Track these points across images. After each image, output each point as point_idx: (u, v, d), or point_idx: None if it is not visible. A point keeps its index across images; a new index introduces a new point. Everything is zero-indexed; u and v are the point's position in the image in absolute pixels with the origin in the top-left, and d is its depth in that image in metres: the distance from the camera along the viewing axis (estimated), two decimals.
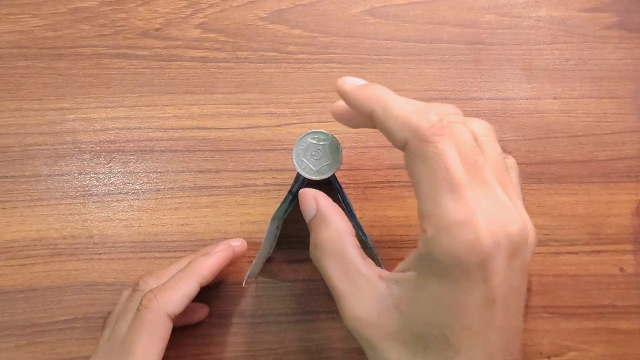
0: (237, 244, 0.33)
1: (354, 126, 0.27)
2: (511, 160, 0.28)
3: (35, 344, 0.33)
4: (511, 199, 0.23)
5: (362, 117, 0.25)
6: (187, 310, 0.31)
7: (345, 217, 0.27)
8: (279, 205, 0.30)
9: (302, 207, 0.28)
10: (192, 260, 0.31)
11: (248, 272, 0.31)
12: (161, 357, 0.28)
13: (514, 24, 0.37)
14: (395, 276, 0.24)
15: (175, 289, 0.29)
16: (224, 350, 0.34)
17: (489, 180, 0.23)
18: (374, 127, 0.25)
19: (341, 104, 0.26)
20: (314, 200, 0.27)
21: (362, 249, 0.26)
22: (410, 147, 0.23)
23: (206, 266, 0.30)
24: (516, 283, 0.23)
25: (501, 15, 0.37)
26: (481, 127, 0.26)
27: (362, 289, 0.25)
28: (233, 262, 0.32)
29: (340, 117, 0.27)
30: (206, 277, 0.30)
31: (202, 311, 0.34)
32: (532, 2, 0.38)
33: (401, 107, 0.23)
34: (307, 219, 0.28)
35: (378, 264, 0.31)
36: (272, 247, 0.34)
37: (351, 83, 0.25)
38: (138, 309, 0.28)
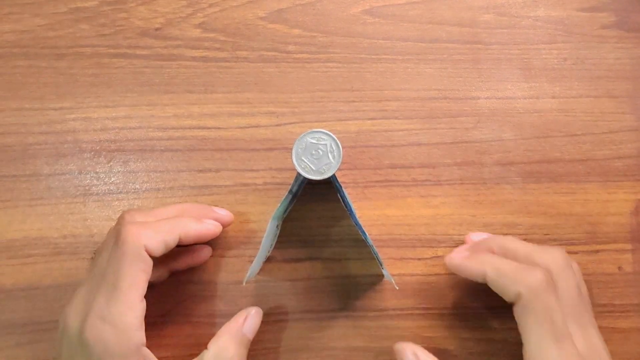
0: (224, 214, 0.33)
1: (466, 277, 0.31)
2: (584, 288, 0.32)
3: (36, 342, 0.33)
4: (597, 336, 0.30)
5: (474, 278, 0.30)
6: (190, 251, 0.31)
7: None
8: (278, 204, 0.31)
9: (400, 358, 0.30)
10: (182, 216, 0.31)
11: (248, 272, 0.31)
12: (144, 291, 0.28)
13: (512, 23, 0.38)
14: None
15: (156, 231, 0.29)
16: None
17: (583, 324, 0.29)
18: (482, 282, 0.30)
19: (454, 260, 0.31)
20: (414, 357, 0.30)
21: None
22: (522, 300, 0.28)
23: (192, 229, 0.30)
24: None
25: (500, 14, 0.38)
26: (558, 261, 0.30)
27: None
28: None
29: (453, 271, 0.32)
30: (188, 237, 0.30)
31: (205, 252, 0.33)
32: (530, 1, 0.38)
33: (510, 266, 0.29)
34: None
35: (379, 262, 0.31)
36: (271, 246, 0.34)
37: (458, 256, 0.31)
38: (116, 243, 0.28)
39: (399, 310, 0.35)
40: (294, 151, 0.29)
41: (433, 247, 0.35)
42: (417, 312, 0.35)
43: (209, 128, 0.36)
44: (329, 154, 0.29)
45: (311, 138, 0.29)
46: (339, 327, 0.35)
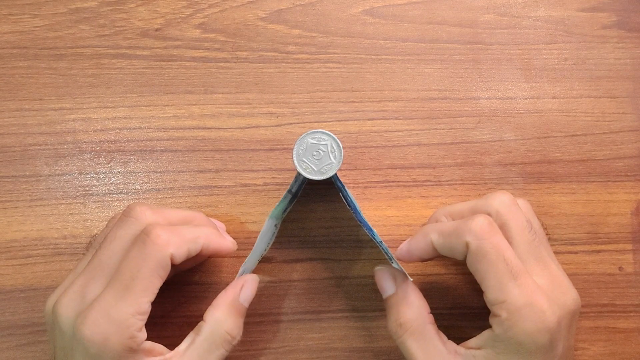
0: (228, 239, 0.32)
1: (422, 260, 0.31)
2: (536, 223, 0.31)
3: (36, 343, 0.33)
4: (557, 268, 0.29)
5: (427, 252, 0.29)
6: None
7: (422, 295, 0.30)
8: (277, 203, 0.30)
9: (379, 283, 0.31)
10: (206, 226, 0.30)
11: (242, 268, 0.31)
12: (155, 296, 0.27)
13: (512, 23, 0.37)
14: (472, 353, 0.28)
15: (182, 240, 0.28)
16: None
17: (540, 257, 0.29)
18: (437, 254, 0.29)
19: (402, 247, 0.31)
20: (392, 279, 0.31)
21: (436, 325, 0.30)
22: (471, 248, 0.27)
23: (215, 241, 0.30)
24: (571, 342, 0.29)
25: (500, 15, 0.38)
26: (503, 203, 0.30)
27: None
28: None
29: (407, 259, 0.31)
30: (208, 250, 0.29)
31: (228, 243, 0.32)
32: (530, 1, 0.38)
33: (452, 224, 0.29)
34: (384, 295, 0.31)
35: (389, 257, 0.30)
36: (268, 245, 0.34)
37: (404, 243, 0.31)
38: (143, 241, 0.27)
39: None
40: (294, 152, 0.29)
41: None
42: None
43: (208, 128, 0.36)
44: (330, 154, 0.29)
45: (312, 139, 0.29)
46: (339, 327, 0.35)
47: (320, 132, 0.29)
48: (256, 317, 0.34)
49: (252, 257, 0.31)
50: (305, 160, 0.29)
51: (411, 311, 0.29)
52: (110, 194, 0.35)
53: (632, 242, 0.36)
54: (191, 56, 0.36)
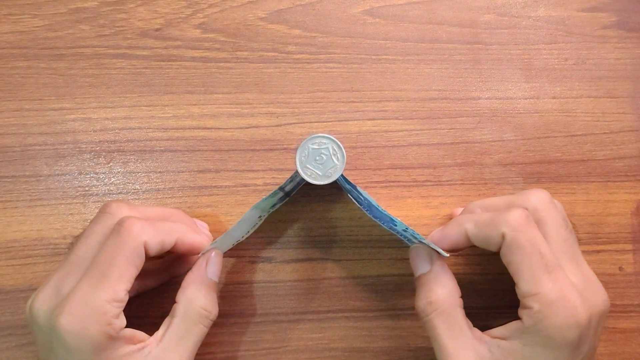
0: (206, 233, 0.33)
1: (452, 250, 0.31)
2: (569, 224, 0.31)
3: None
4: (588, 268, 0.29)
5: (459, 242, 0.30)
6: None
7: (454, 279, 0.30)
8: (265, 196, 0.30)
9: (414, 261, 0.31)
10: (179, 221, 0.31)
11: (211, 244, 0.31)
12: (131, 285, 0.27)
13: (512, 23, 0.37)
14: (497, 342, 0.28)
15: (157, 230, 0.28)
16: (224, 350, 0.34)
17: (574, 256, 0.29)
18: (469, 244, 0.29)
19: (434, 234, 0.31)
20: (429, 258, 0.30)
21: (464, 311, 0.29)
22: (506, 240, 0.27)
23: (189, 237, 0.30)
24: (596, 344, 0.28)
25: (500, 15, 0.38)
26: (541, 200, 0.30)
27: (467, 347, 0.28)
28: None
29: (440, 245, 0.30)
30: (183, 245, 0.30)
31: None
32: (530, 1, 0.38)
33: (488, 215, 0.29)
34: (417, 273, 0.31)
35: (419, 240, 0.30)
36: (247, 234, 0.33)
37: (436, 230, 0.31)
38: (117, 231, 0.27)
39: (399, 310, 0.35)
40: (297, 161, 0.29)
41: None
42: None
43: (208, 128, 0.36)
44: (333, 157, 0.29)
45: (312, 144, 0.29)
46: (339, 327, 0.35)
47: (320, 136, 0.29)
48: (256, 317, 0.34)
49: (225, 240, 0.31)
50: (310, 167, 0.29)
51: (443, 291, 0.29)
52: (110, 194, 0.35)
53: (632, 242, 0.36)
54: (191, 56, 0.36)
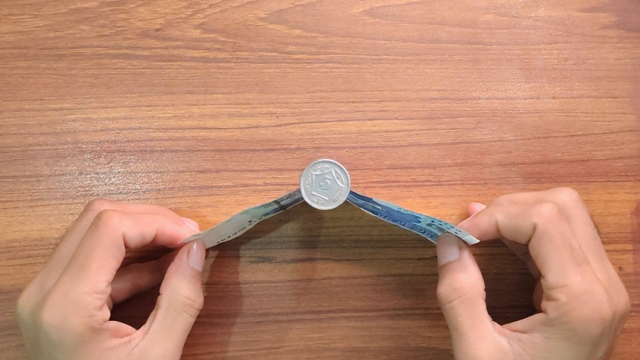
0: (193, 228, 0.33)
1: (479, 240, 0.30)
2: (595, 228, 0.31)
3: None
4: (613, 269, 0.30)
5: (488, 232, 0.29)
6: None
7: (480, 271, 0.29)
8: (259, 205, 0.30)
9: (442, 248, 0.30)
10: (162, 215, 0.31)
11: (194, 235, 0.31)
12: (112, 277, 0.27)
13: (512, 23, 0.37)
14: (518, 335, 0.28)
15: (136, 222, 0.28)
16: (224, 350, 0.34)
17: (600, 256, 0.29)
18: (497, 236, 0.30)
19: (464, 224, 0.31)
20: (458, 247, 0.30)
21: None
22: (538, 231, 0.27)
23: (170, 228, 0.30)
24: (613, 344, 0.28)
25: (500, 15, 0.38)
26: (570, 197, 0.30)
27: (486, 338, 0.28)
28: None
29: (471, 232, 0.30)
30: (164, 236, 0.30)
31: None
32: (530, 2, 0.38)
33: (519, 207, 0.29)
34: (443, 261, 0.30)
35: (449, 230, 0.30)
36: (234, 235, 0.33)
37: (466, 220, 0.31)
38: (96, 224, 0.27)
39: (399, 310, 0.35)
40: (302, 189, 0.29)
41: (433, 247, 0.35)
42: (417, 312, 0.35)
43: (209, 129, 0.36)
44: (337, 180, 0.29)
45: (314, 171, 0.29)
46: (339, 327, 0.35)
47: (322, 161, 0.29)
48: (256, 317, 0.34)
49: (210, 235, 0.31)
50: (316, 194, 0.29)
51: (469, 279, 0.29)
52: (110, 194, 0.35)
53: (632, 242, 0.36)
54: (191, 56, 0.36)
